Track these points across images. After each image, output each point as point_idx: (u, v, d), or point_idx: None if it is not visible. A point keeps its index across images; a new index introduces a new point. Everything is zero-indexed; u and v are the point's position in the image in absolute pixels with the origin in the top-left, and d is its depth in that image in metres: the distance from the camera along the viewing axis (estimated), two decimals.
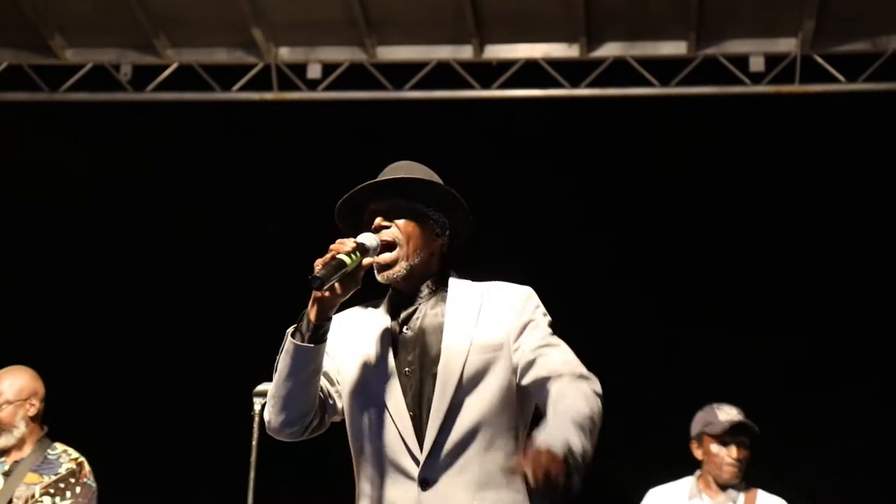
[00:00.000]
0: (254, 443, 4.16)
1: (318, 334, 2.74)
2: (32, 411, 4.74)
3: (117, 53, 7.25)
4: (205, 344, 7.12)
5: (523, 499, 2.78)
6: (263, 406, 4.10)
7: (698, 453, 4.83)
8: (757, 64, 6.87)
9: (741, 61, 6.92)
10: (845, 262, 7.21)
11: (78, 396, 4.91)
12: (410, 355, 2.83)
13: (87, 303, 7.39)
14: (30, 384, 4.77)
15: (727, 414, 4.77)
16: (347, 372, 2.87)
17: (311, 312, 2.74)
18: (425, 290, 2.91)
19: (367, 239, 2.81)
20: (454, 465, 2.75)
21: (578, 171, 7.48)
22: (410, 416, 2.78)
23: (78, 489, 4.52)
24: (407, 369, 2.82)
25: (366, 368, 2.84)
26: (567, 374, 2.71)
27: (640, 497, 5.00)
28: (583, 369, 2.76)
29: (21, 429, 4.69)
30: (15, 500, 4.49)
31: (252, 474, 4.16)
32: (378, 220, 2.87)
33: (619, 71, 6.95)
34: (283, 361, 2.76)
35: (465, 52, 7.01)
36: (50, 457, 4.70)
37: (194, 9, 6.91)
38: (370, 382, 2.83)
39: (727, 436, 4.72)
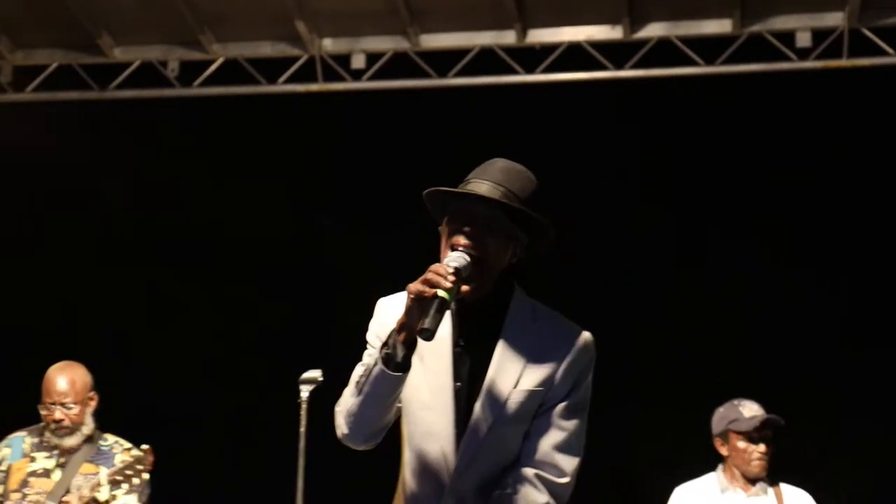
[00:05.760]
0: (302, 430, 4.20)
1: (408, 361, 2.70)
2: (94, 405, 4.79)
3: (164, 50, 7.34)
4: (251, 333, 7.19)
5: None
6: (311, 393, 4.20)
7: (723, 450, 4.78)
8: (804, 39, 6.78)
9: (787, 37, 6.83)
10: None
11: (117, 385, 4.96)
12: (462, 368, 2.81)
13: (133, 293, 7.48)
14: (87, 379, 4.81)
15: (751, 410, 4.73)
16: (410, 374, 2.77)
17: (402, 339, 2.67)
18: (487, 301, 2.83)
19: (460, 261, 2.70)
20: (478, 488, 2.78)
21: (628, 151, 7.45)
22: (455, 433, 2.78)
23: (138, 480, 4.57)
24: (458, 383, 2.81)
25: (425, 374, 2.81)
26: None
27: (667, 497, 4.89)
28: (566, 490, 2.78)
29: (90, 425, 4.73)
30: (73, 491, 4.56)
31: (301, 461, 4.20)
32: (469, 229, 2.74)
33: (664, 51, 6.91)
34: (370, 387, 2.70)
35: (508, 38, 6.99)
36: (103, 448, 4.75)
37: (238, 3, 6.97)
38: (427, 391, 2.81)
39: (755, 432, 4.69)
